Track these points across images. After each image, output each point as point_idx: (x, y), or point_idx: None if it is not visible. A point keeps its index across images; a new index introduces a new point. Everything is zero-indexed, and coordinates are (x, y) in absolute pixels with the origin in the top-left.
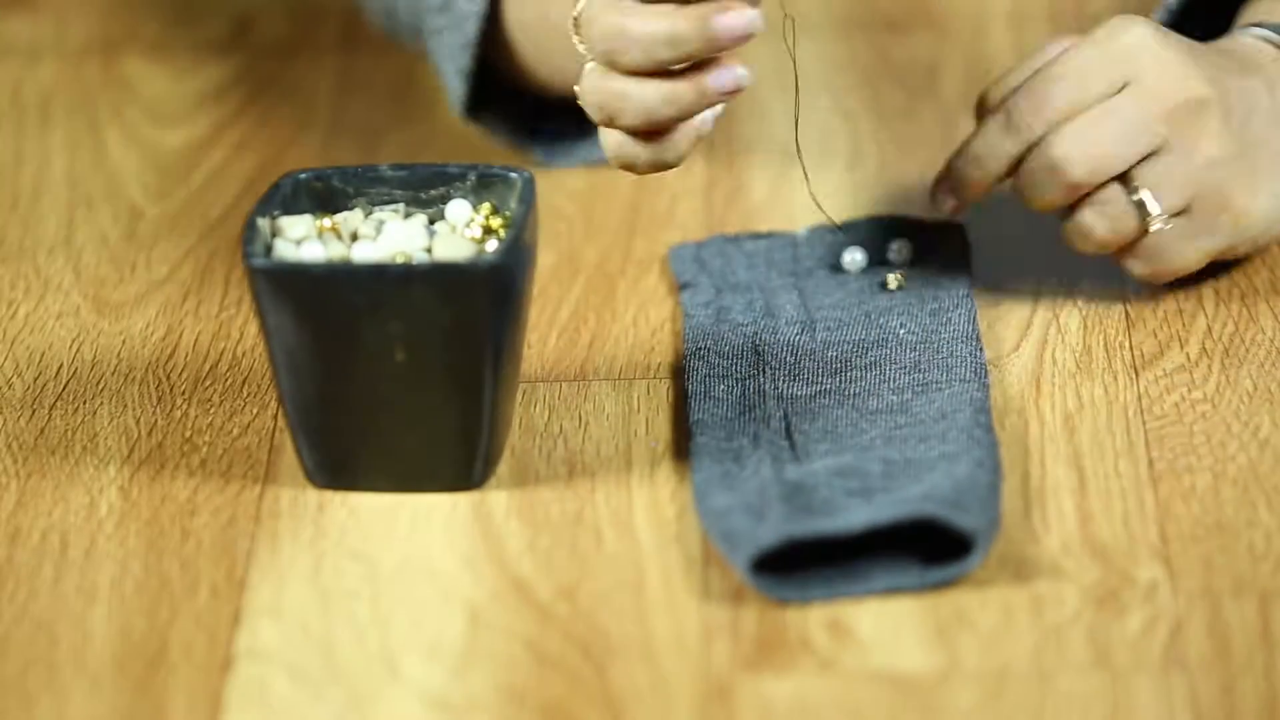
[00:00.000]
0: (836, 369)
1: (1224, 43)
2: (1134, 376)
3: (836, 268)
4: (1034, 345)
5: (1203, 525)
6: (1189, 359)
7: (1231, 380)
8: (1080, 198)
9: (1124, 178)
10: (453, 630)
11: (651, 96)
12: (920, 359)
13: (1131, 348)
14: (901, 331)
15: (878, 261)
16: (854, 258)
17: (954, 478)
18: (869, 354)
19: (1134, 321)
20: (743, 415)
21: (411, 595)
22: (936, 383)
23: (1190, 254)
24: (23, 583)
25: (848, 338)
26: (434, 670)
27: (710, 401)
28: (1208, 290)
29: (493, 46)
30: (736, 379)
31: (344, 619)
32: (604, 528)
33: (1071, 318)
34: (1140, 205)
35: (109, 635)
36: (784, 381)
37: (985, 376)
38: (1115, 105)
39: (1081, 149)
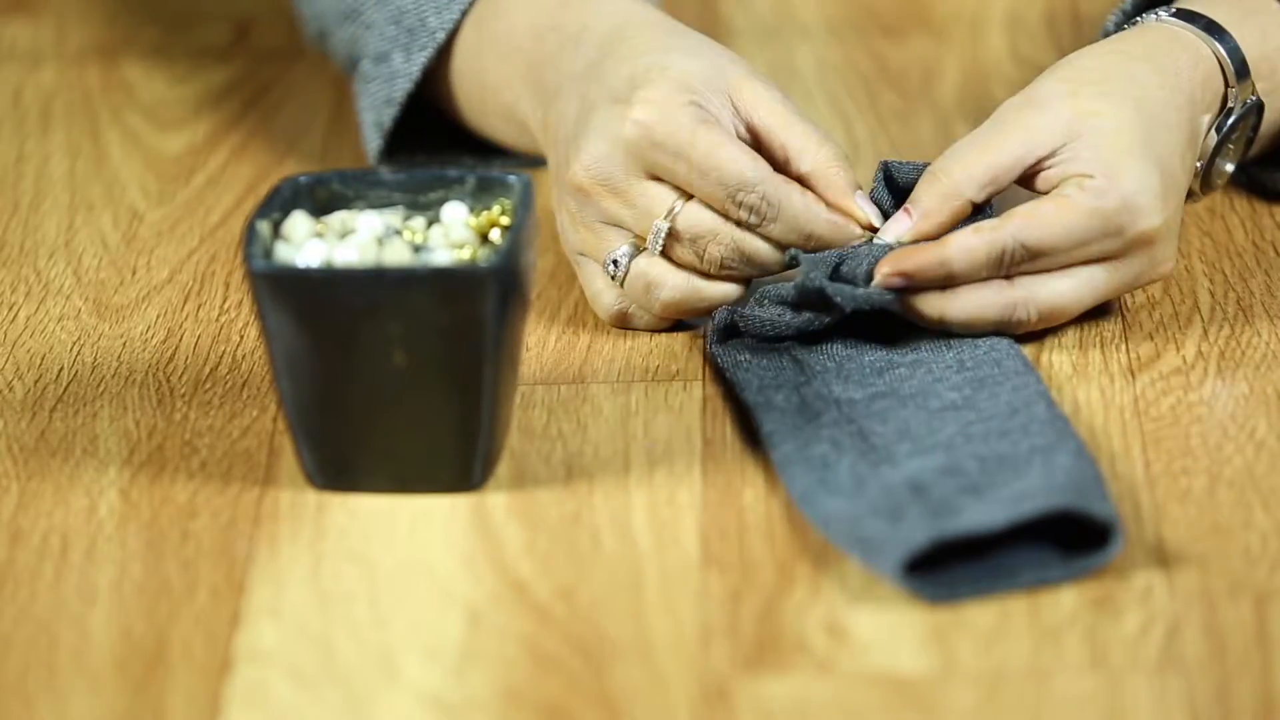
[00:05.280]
0: (881, 368)
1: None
2: (1130, 379)
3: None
4: (1030, 348)
5: (1199, 527)
6: (1185, 362)
7: (1227, 383)
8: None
9: None
10: (452, 631)
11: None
12: (962, 356)
13: (1128, 351)
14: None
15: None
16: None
17: (1064, 468)
18: (908, 354)
19: (1130, 325)
20: (811, 422)
21: (410, 596)
22: (992, 378)
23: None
24: (23, 584)
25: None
26: (433, 671)
27: (775, 412)
28: (1204, 294)
29: (428, 94)
30: (792, 387)
31: (343, 620)
32: (602, 529)
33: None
34: None
35: (109, 636)
36: (836, 385)
37: (1035, 368)
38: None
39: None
